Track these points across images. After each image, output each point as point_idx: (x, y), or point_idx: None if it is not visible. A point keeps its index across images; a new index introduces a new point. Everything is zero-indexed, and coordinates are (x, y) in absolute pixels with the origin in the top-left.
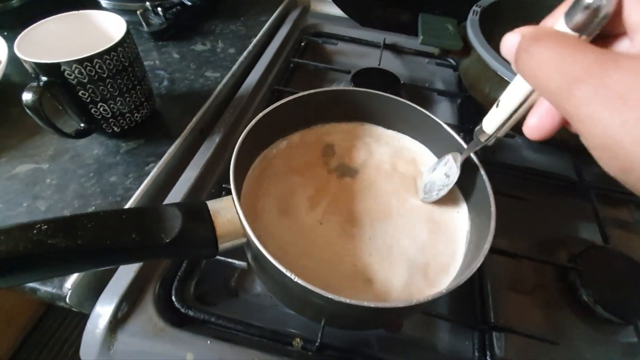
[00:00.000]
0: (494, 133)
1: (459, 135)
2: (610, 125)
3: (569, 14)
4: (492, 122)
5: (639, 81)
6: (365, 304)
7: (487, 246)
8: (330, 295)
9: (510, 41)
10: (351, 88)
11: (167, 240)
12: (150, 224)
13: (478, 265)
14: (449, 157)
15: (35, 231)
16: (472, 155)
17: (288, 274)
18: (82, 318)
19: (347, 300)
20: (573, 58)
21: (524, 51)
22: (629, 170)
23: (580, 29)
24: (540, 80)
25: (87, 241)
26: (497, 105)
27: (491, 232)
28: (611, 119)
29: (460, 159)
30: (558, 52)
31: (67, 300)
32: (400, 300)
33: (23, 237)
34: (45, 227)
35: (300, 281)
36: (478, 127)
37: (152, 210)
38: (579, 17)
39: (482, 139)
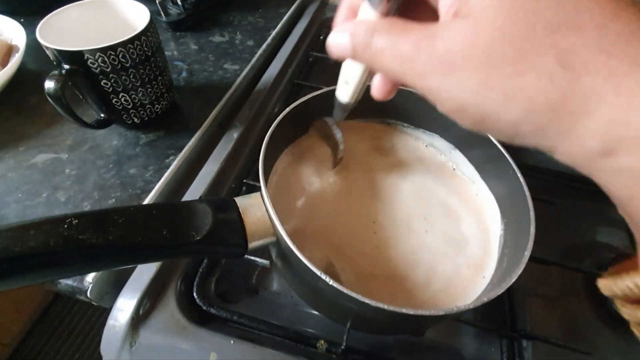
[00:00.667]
0: (350, 101)
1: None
2: (449, 89)
3: (372, 3)
4: (346, 95)
5: (457, 45)
6: (405, 310)
7: (527, 253)
8: (367, 301)
9: (342, 41)
10: None
11: (198, 238)
12: (180, 220)
13: (519, 272)
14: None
15: (65, 226)
16: (508, 157)
17: (323, 276)
18: (90, 307)
19: (385, 307)
20: (404, 41)
21: (367, 46)
22: (480, 121)
23: (388, 13)
24: (386, 67)
25: (118, 237)
26: (347, 83)
27: (531, 240)
28: (448, 84)
29: (335, 125)
30: (392, 39)
31: (88, 294)
32: (440, 308)
33: (54, 232)
34: (76, 221)
35: (335, 284)
36: (336, 101)
37: (182, 206)
38: (383, 6)
39: (344, 109)
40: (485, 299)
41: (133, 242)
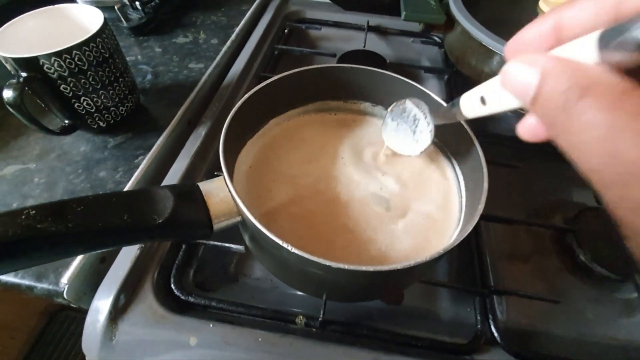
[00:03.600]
0: (470, 118)
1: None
2: None
3: (606, 44)
4: (472, 111)
5: None
6: (364, 268)
7: (480, 207)
8: (328, 263)
9: (525, 78)
10: (338, 65)
11: (160, 221)
12: (141, 205)
13: (474, 224)
14: (406, 106)
15: (23, 216)
16: (464, 124)
17: (284, 245)
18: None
19: (346, 266)
20: (634, 140)
21: (564, 110)
22: None
23: (619, 68)
24: (584, 160)
25: (77, 224)
26: (484, 103)
27: (484, 193)
28: None
29: (429, 115)
30: (614, 124)
31: (65, 295)
32: (398, 263)
33: (12, 223)
34: (34, 212)
35: (297, 251)
36: (456, 105)
37: (143, 193)
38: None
39: (459, 118)
40: (442, 251)
41: (93, 228)
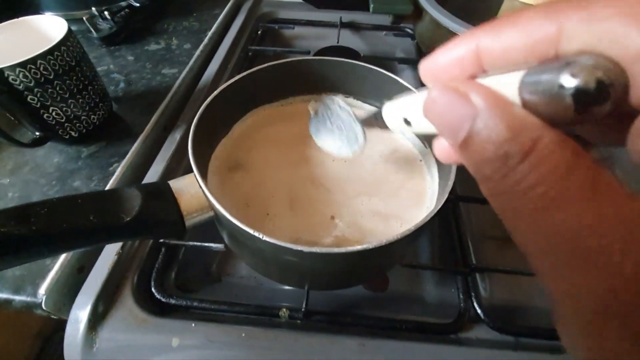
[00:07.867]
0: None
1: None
2: None
3: (529, 84)
4: (399, 129)
5: None
6: (336, 250)
7: (450, 183)
8: (300, 248)
9: (455, 113)
10: (307, 57)
11: (127, 219)
12: (108, 205)
13: (443, 201)
14: (330, 106)
15: None
16: None
17: (256, 234)
18: None
19: (318, 250)
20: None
21: (499, 167)
22: None
23: (544, 117)
24: (511, 222)
25: (42, 226)
26: (409, 124)
27: (453, 170)
28: None
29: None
30: (561, 196)
31: (43, 306)
32: (369, 243)
33: None
34: None
35: (268, 239)
36: (379, 119)
37: (110, 193)
38: (550, 106)
39: (378, 126)
40: (413, 228)
41: (58, 230)
